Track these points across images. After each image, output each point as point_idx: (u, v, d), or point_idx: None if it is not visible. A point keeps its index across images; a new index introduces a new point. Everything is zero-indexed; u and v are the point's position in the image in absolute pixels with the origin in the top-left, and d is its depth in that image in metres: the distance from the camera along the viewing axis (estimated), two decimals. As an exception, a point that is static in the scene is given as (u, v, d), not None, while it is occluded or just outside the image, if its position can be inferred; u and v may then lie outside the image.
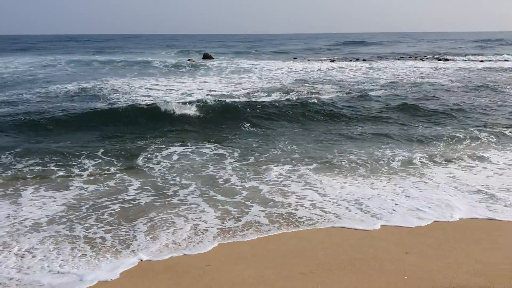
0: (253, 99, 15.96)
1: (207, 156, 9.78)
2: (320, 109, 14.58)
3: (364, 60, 37.66)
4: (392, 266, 4.99)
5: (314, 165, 9.05)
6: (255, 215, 6.56)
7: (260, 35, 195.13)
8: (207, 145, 10.70)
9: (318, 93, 18.15)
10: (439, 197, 7.28)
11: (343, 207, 6.92)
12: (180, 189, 7.70)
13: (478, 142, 11.04)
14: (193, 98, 16.02)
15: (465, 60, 37.96)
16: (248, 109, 14.17)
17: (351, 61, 36.59)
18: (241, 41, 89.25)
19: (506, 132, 12.00)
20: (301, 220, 6.42)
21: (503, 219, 6.44)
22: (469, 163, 9.29)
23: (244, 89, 19.38)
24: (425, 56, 41.88)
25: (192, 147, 10.46)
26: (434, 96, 17.73)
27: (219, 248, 5.55)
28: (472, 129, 12.32)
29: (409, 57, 40.90)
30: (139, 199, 7.22)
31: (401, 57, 41.02)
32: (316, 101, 15.42)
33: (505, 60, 38.31)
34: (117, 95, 17.21)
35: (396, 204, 7.05)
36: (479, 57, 40.94)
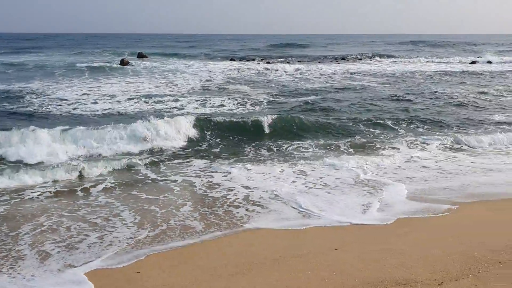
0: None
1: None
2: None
3: (299, 61, 38.31)
4: (322, 263, 5.07)
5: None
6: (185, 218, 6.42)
7: (201, 35, 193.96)
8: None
9: (245, 92, 18.77)
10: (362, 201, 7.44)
11: (274, 204, 6.88)
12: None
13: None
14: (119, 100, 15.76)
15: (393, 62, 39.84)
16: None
17: (288, 63, 37.13)
18: (181, 41, 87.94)
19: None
20: (232, 221, 6.36)
21: (432, 215, 6.67)
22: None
23: (172, 91, 19.31)
24: (359, 58, 43.38)
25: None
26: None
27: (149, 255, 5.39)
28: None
29: (342, 59, 42.23)
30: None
31: (342, 58, 42.30)
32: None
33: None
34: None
35: (328, 202, 7.11)
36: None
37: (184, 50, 52.87)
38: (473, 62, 38.88)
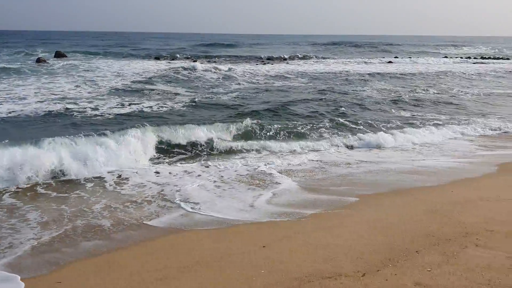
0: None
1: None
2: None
3: (226, 61, 38.32)
4: (249, 261, 5.06)
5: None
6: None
7: (129, 33, 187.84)
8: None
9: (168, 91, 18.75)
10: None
11: (191, 204, 6.86)
12: None
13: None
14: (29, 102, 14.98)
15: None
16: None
17: (214, 62, 36.98)
18: (105, 39, 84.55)
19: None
20: (151, 224, 6.21)
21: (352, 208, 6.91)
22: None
23: (90, 92, 18.63)
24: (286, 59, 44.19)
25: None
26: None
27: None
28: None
29: (268, 59, 42.83)
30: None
31: (268, 59, 42.80)
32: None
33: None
34: None
35: (251, 198, 7.12)
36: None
37: (108, 49, 51.00)
38: (389, 62, 41.14)
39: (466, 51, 67.82)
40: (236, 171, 8.86)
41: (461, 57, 51.53)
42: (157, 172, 8.69)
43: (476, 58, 50.33)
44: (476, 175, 8.68)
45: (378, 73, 29.98)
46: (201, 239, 5.74)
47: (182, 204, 6.97)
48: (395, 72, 31.30)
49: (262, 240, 5.62)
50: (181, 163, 9.46)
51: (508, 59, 50.43)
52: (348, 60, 44.25)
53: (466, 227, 5.88)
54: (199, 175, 8.59)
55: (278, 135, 11.87)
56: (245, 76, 27.10)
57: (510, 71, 33.99)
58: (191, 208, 6.85)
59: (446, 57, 52.02)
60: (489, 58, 51.36)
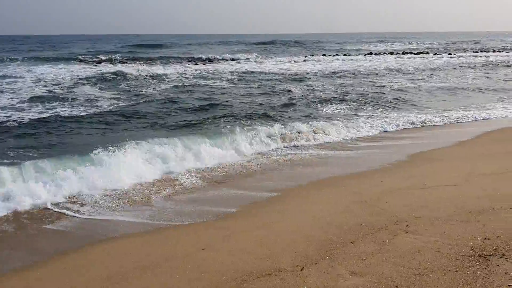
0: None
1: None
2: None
3: (145, 63, 37.21)
4: (189, 264, 5.00)
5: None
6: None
7: (54, 36, 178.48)
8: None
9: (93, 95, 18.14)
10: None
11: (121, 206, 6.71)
12: None
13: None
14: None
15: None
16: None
17: (144, 63, 36.17)
18: (29, 43, 79.59)
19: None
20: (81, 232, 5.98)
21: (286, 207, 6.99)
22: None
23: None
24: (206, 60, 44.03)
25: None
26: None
27: None
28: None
29: (205, 60, 42.56)
30: None
31: (206, 59, 42.50)
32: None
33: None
34: None
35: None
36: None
37: (30, 53, 48.16)
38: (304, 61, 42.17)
39: (390, 46, 70.85)
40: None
41: (385, 53, 53.92)
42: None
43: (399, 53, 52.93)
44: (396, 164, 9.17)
45: (308, 72, 30.65)
46: (138, 245, 5.60)
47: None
48: (324, 70, 32.16)
49: (201, 243, 5.57)
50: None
51: (427, 53, 53.36)
52: (280, 59, 44.95)
53: (396, 215, 6.16)
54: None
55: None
56: (174, 77, 26.78)
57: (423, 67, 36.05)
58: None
59: (371, 53, 54.12)
60: (417, 53, 53.92)
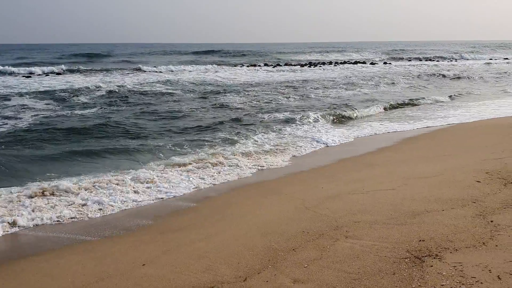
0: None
1: None
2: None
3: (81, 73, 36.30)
4: (129, 282, 4.81)
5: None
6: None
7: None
8: None
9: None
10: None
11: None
12: None
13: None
14: None
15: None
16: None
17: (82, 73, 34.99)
18: None
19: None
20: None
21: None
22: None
23: None
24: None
25: None
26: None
27: None
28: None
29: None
30: None
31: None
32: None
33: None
34: None
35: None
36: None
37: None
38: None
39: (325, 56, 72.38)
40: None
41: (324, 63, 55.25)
42: None
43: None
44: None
45: (247, 82, 30.90)
46: (74, 260, 5.35)
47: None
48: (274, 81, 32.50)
49: (142, 258, 5.41)
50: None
51: (364, 62, 55.24)
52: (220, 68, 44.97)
53: (336, 220, 6.27)
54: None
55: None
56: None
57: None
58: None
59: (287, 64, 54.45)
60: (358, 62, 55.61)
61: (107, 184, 8.46)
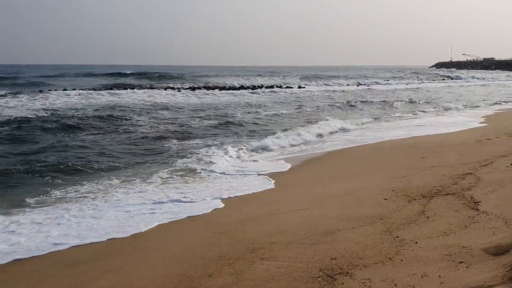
0: None
1: None
2: None
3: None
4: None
5: None
6: None
7: None
8: None
9: None
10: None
11: None
12: None
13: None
14: None
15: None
16: None
17: None
18: None
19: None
20: None
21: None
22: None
23: None
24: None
25: None
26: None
27: None
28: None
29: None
30: None
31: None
32: None
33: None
34: None
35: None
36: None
37: None
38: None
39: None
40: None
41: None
42: None
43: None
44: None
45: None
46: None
47: None
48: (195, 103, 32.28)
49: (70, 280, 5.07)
50: None
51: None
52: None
53: (252, 243, 6.31)
54: None
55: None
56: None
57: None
58: None
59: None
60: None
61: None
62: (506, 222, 5.90)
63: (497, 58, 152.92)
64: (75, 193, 9.55)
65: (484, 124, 19.21)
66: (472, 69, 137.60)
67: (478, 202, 7.10)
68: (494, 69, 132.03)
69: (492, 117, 22.28)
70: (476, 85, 61.00)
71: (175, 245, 6.54)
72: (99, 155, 13.63)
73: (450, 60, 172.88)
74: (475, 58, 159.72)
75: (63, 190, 9.74)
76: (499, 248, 5.00)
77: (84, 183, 10.32)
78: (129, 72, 74.72)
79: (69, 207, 8.48)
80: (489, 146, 12.44)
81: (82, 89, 41.18)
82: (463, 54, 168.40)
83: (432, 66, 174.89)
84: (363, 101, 32.96)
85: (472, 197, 7.43)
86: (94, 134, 17.75)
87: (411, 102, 32.30)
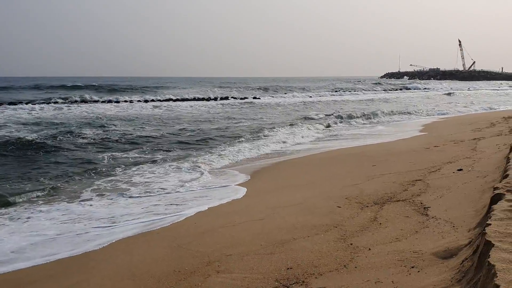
0: None
1: None
2: None
3: None
4: None
5: None
6: None
7: None
8: None
9: None
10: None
11: None
12: None
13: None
14: None
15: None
16: None
17: None
18: None
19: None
20: None
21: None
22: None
23: None
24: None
25: None
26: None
27: None
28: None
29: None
30: None
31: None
32: None
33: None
34: None
35: None
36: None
37: None
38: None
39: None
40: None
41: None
42: None
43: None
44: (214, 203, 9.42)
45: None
46: None
47: None
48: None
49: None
50: None
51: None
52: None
53: (208, 256, 6.22)
54: None
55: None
56: None
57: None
58: None
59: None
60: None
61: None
62: (453, 226, 6.10)
63: (442, 68, 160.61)
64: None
65: (424, 133, 20.00)
66: (419, 79, 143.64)
67: (428, 207, 7.32)
68: (439, 79, 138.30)
69: (430, 126, 23.26)
70: (422, 96, 63.51)
71: (128, 261, 6.35)
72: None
73: (399, 71, 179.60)
74: (422, 69, 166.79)
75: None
76: (447, 251, 5.15)
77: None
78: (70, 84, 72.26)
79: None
80: (437, 153, 12.91)
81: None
82: (411, 64, 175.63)
83: (382, 77, 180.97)
84: (308, 117, 33.34)
85: (421, 203, 7.66)
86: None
87: (364, 115, 33.07)
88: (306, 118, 29.72)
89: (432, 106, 39.51)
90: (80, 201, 9.92)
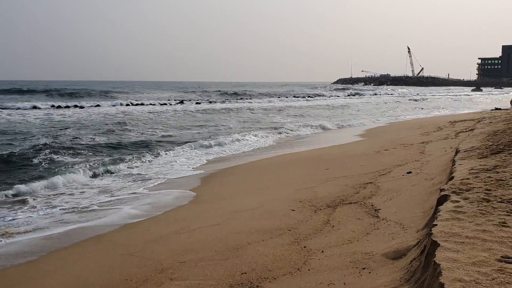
0: None
1: None
2: None
3: None
4: None
5: None
6: None
7: None
8: None
9: None
10: None
11: None
12: None
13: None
14: None
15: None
16: None
17: None
18: None
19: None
20: None
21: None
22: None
23: None
24: None
25: None
26: None
27: None
28: None
29: None
30: None
31: None
32: None
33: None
34: None
35: None
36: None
37: None
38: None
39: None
40: None
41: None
42: None
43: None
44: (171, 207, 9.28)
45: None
46: None
47: None
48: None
49: None
50: None
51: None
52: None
53: (161, 263, 6.11)
54: None
55: None
56: None
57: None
58: None
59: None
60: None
61: None
62: (403, 227, 6.28)
63: (392, 74, 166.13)
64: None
65: (364, 138, 20.59)
66: (369, 84, 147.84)
67: (378, 209, 7.51)
68: (389, 85, 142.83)
69: (378, 130, 23.97)
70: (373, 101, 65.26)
71: (78, 270, 6.14)
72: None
73: (351, 77, 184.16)
74: (373, 75, 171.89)
75: None
76: (397, 252, 5.29)
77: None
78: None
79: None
80: (387, 156, 13.28)
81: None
82: (362, 70, 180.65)
83: (335, 82, 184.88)
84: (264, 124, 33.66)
85: (372, 205, 7.84)
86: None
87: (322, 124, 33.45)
88: (263, 125, 29.92)
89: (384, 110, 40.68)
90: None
